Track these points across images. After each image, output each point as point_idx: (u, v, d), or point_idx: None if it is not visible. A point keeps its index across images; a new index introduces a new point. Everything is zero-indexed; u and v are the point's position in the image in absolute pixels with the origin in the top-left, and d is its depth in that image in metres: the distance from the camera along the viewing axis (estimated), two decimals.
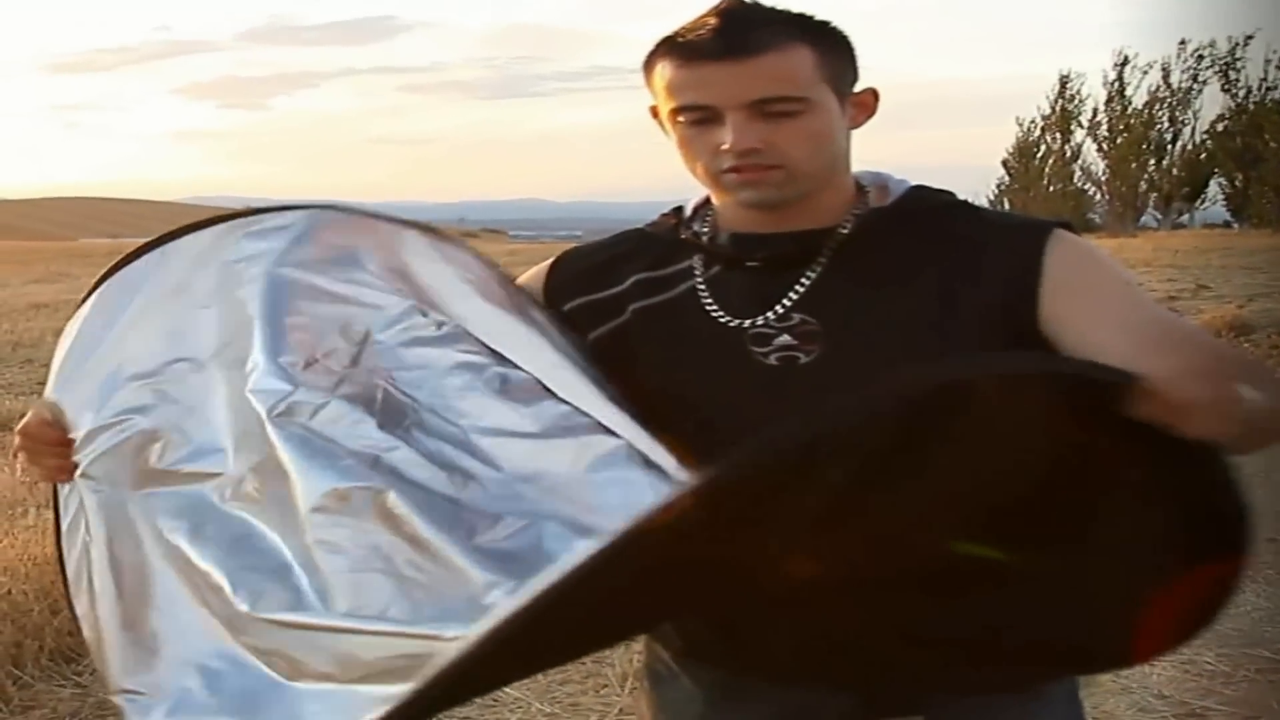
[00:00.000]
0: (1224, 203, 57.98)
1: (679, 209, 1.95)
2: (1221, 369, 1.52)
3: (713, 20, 1.72)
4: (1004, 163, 72.97)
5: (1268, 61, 52.96)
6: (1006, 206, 73.64)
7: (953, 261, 1.76)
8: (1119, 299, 1.72)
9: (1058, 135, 66.15)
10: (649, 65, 1.79)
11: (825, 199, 1.82)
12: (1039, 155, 68.41)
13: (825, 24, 1.77)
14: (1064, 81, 64.50)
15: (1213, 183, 58.90)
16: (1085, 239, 1.82)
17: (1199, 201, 60.24)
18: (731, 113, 1.71)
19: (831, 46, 1.76)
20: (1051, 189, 66.03)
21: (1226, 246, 33.90)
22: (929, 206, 1.85)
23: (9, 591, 5.18)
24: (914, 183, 1.88)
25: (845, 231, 1.81)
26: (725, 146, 1.73)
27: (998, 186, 73.36)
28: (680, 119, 1.76)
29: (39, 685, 4.82)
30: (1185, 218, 60.38)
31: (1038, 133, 68.39)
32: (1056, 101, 65.25)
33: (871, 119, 1.84)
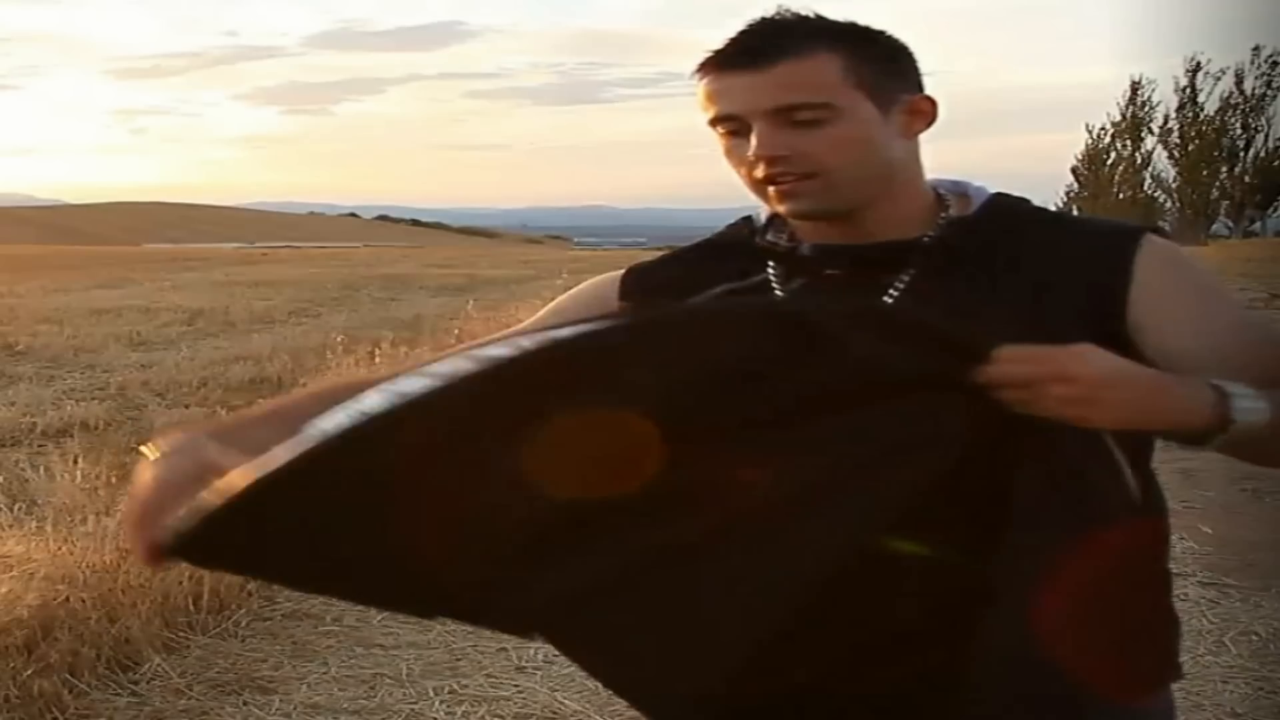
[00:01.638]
0: None
1: (749, 219, 1.92)
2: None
3: (739, 32, 1.73)
4: (1073, 170, 72.80)
5: None
6: (1075, 213, 73.47)
7: (1042, 268, 1.73)
8: (1199, 306, 1.72)
9: (1128, 142, 65.97)
10: (697, 78, 1.78)
11: (899, 209, 1.79)
12: (1109, 162, 68.30)
13: (864, 30, 1.75)
14: (1135, 87, 64.38)
15: None
16: (1173, 244, 1.79)
17: (1271, 209, 59.77)
18: (756, 121, 1.71)
19: (868, 53, 1.73)
20: (1121, 196, 65.85)
21: None
22: (1013, 214, 1.83)
23: (66, 599, 5.16)
24: (994, 190, 1.86)
25: (930, 241, 1.78)
26: (751, 154, 1.73)
27: (1067, 193, 73.15)
28: (718, 130, 1.77)
29: (95, 694, 4.80)
30: (1257, 225, 59.95)
31: (1108, 139, 68.24)
32: (1127, 108, 65.18)
33: (931, 126, 1.80)
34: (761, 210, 1.90)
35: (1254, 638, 5.38)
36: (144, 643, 5.12)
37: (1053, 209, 1.90)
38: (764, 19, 1.73)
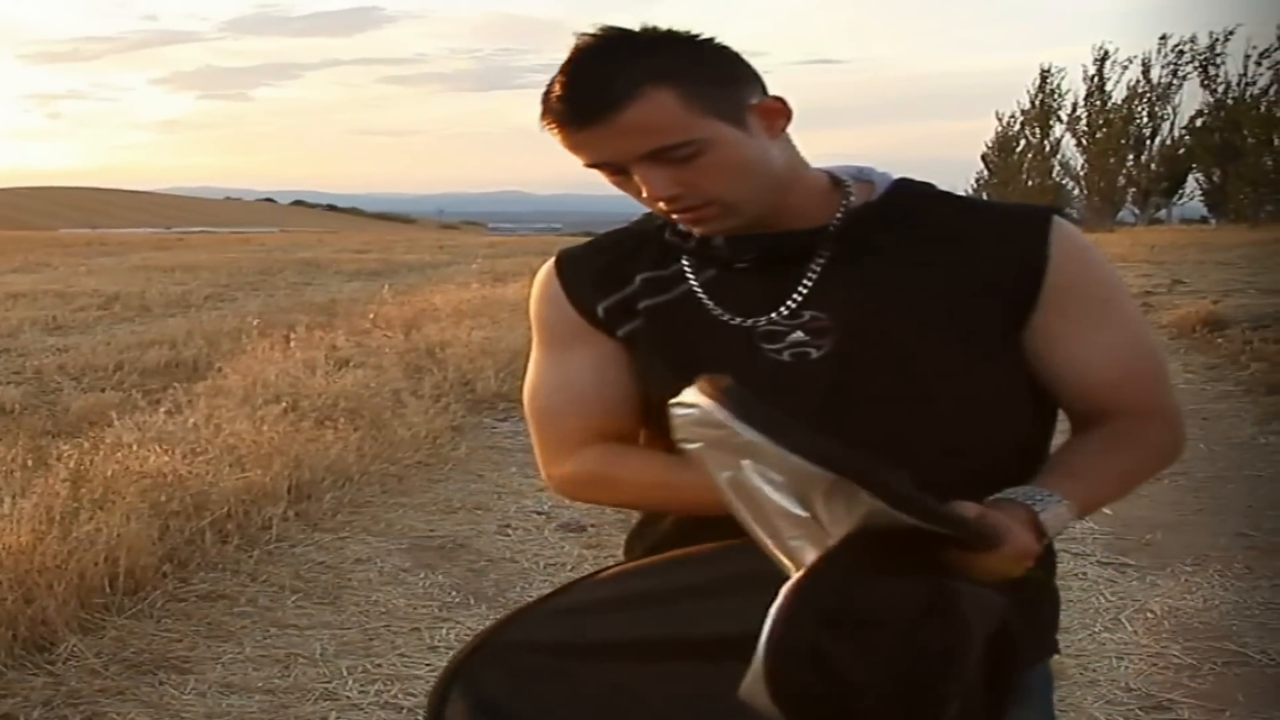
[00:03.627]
0: (1201, 198, 58.19)
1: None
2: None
3: (561, 81, 1.69)
4: (983, 157, 73.18)
5: (1247, 57, 53.10)
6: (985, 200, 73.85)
7: (953, 251, 1.80)
8: (1100, 319, 1.81)
9: (1037, 129, 66.33)
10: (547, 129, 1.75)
11: (797, 201, 1.82)
12: (1018, 149, 68.64)
13: (687, 51, 1.72)
14: (1044, 76, 64.71)
15: (1190, 178, 59.05)
16: (1079, 232, 1.87)
17: (1176, 197, 60.42)
18: (632, 166, 1.71)
19: (697, 77, 1.70)
20: (1030, 183, 66.21)
21: (1203, 242, 34.12)
22: (918, 198, 1.88)
23: None
24: (897, 176, 1.90)
25: (836, 228, 1.82)
26: (645, 198, 1.74)
27: (977, 180, 73.50)
28: (598, 171, 1.76)
29: (10, 674, 4.79)
30: (1163, 213, 60.57)
31: (1017, 127, 68.60)
32: (1037, 96, 65.46)
33: (791, 120, 1.79)
34: None
35: (1149, 615, 5.48)
36: (60, 623, 5.12)
37: (960, 193, 1.96)
38: (581, 63, 1.69)
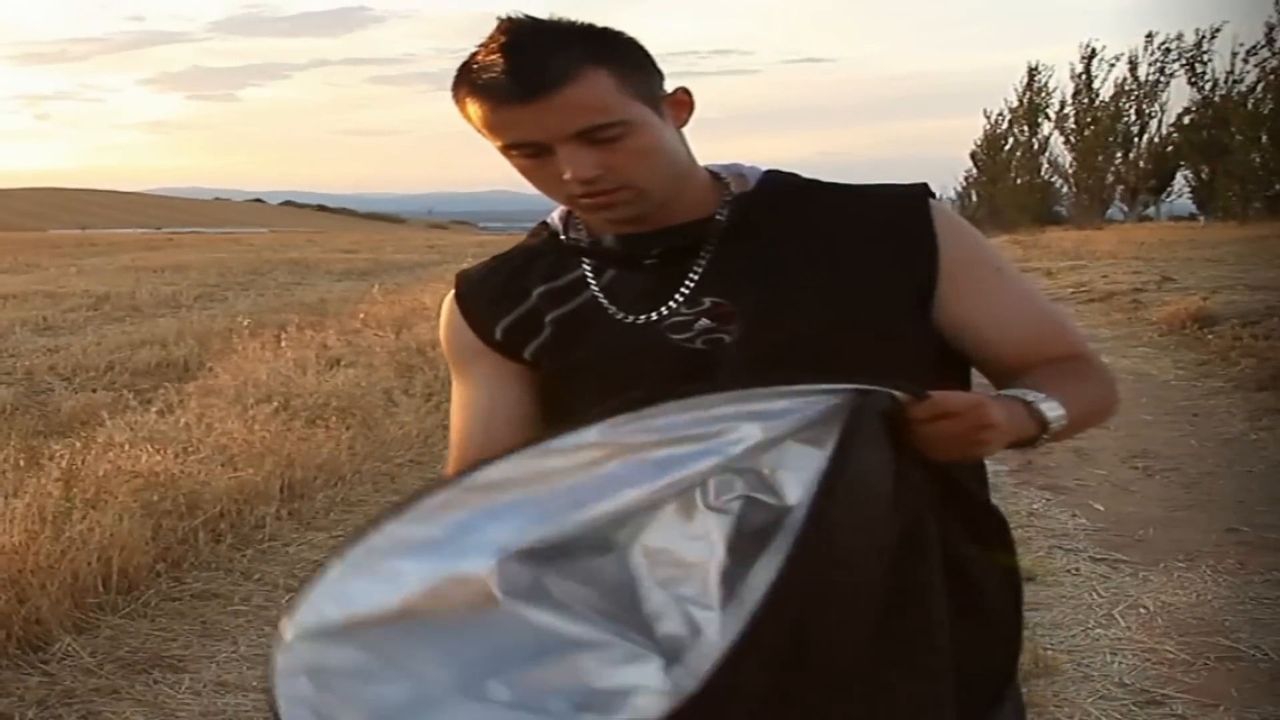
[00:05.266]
0: (1189, 195, 58.24)
1: (545, 223, 1.99)
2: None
3: (499, 59, 1.71)
4: (972, 155, 73.37)
5: (1234, 55, 53.18)
6: (974, 198, 74.00)
7: (837, 233, 1.85)
8: (997, 287, 1.89)
9: (1025, 127, 66.47)
10: (457, 99, 1.79)
11: (685, 195, 1.86)
12: (1007, 147, 68.80)
13: (613, 38, 1.78)
14: (1032, 74, 64.87)
15: (1178, 175, 59.16)
16: (950, 208, 1.93)
17: (1165, 194, 60.51)
18: (559, 146, 1.74)
19: (626, 62, 1.76)
20: (1018, 181, 66.42)
21: (1191, 239, 34.20)
22: (791, 186, 1.92)
23: None
24: (766, 168, 1.95)
25: (723, 217, 1.87)
26: (567, 177, 1.75)
27: (965, 178, 73.72)
28: (513, 153, 1.78)
29: (5, 674, 4.80)
30: (1151, 210, 60.70)
31: (1005, 125, 68.76)
32: (1024, 94, 65.63)
33: (693, 114, 1.85)
34: (554, 211, 1.98)
35: (1142, 611, 5.49)
36: (54, 623, 5.13)
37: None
38: (518, 40, 1.72)
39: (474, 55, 1.74)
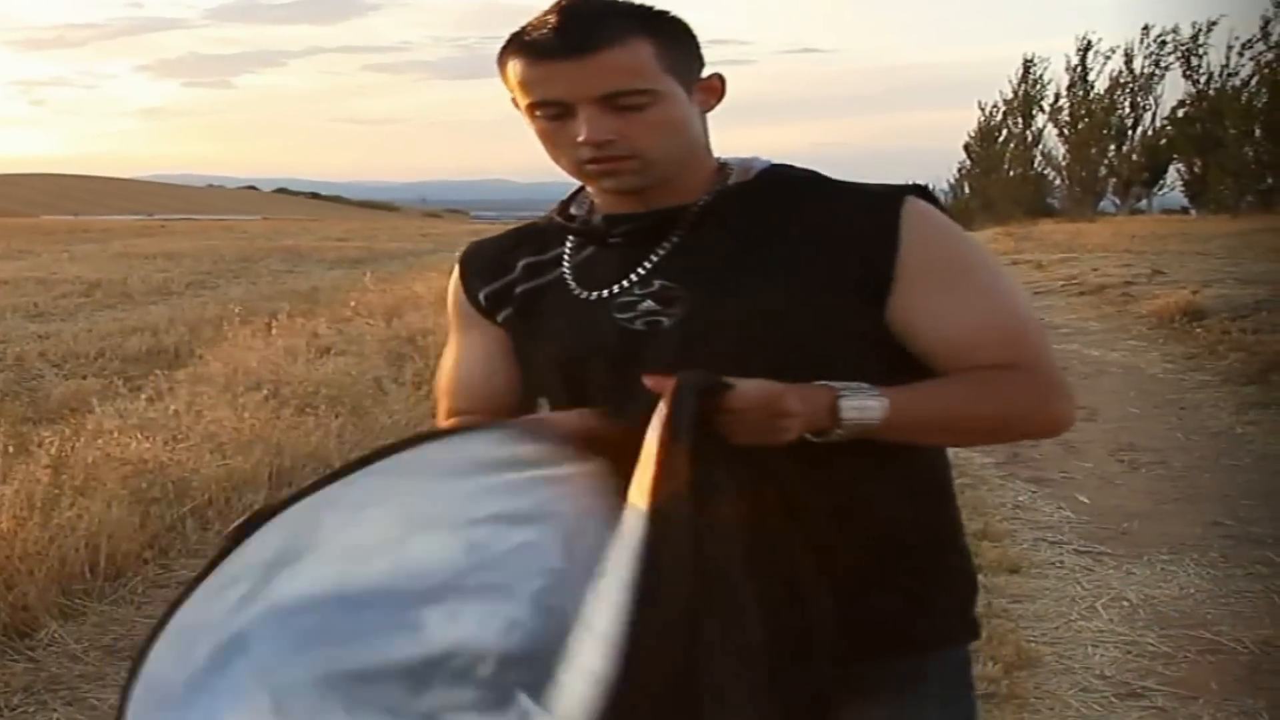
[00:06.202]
0: (1182, 189, 58.11)
1: (564, 200, 2.06)
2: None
3: (554, 18, 1.79)
4: (966, 147, 73.25)
5: (1229, 48, 52.96)
6: (966, 190, 73.96)
7: (810, 230, 1.86)
8: (956, 287, 1.86)
9: (1019, 119, 66.33)
10: (501, 62, 1.86)
11: (686, 179, 1.91)
12: (1000, 139, 68.62)
13: (663, 14, 1.85)
14: (1027, 65, 64.70)
15: (1171, 168, 58.96)
16: (935, 211, 1.91)
17: (1158, 187, 60.42)
18: (583, 107, 1.79)
19: (671, 37, 1.83)
20: (1012, 173, 66.28)
21: (1183, 232, 34.15)
22: (785, 180, 1.96)
23: None
24: (775, 161, 1.98)
25: (699, 206, 1.91)
26: (581, 139, 1.81)
27: (959, 170, 73.65)
28: (537, 114, 1.84)
29: None
30: (1143, 203, 60.61)
31: (1000, 117, 68.63)
32: (1019, 85, 65.43)
33: (721, 102, 1.92)
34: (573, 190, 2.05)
35: (1125, 603, 5.52)
36: (41, 609, 5.15)
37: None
38: (575, 5, 1.80)
39: (532, 20, 1.82)
